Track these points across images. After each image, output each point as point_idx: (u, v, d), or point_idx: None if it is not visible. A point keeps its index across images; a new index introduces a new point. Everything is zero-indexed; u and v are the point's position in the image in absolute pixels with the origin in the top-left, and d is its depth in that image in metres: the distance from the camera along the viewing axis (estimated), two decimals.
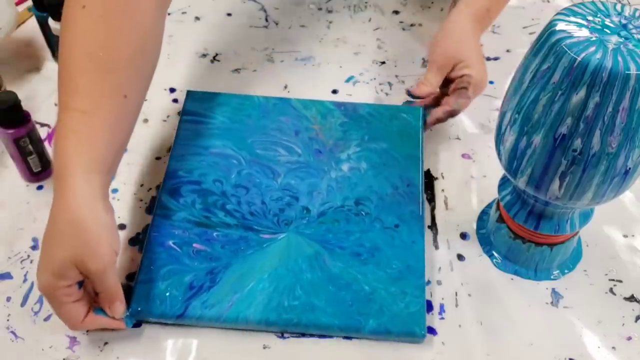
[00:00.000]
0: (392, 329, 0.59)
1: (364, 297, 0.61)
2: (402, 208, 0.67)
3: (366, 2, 0.97)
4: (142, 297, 0.61)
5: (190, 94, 0.77)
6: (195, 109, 0.75)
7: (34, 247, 0.68)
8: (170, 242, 0.64)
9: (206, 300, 0.60)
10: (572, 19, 0.50)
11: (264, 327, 0.60)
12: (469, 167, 0.75)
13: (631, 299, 0.64)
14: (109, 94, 0.58)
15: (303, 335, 0.61)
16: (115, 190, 0.72)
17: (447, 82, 0.75)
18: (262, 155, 0.71)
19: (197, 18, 0.94)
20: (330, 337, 0.60)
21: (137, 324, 0.61)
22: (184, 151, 0.71)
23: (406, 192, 0.68)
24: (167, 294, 0.61)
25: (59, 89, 0.58)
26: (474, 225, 0.69)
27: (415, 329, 0.59)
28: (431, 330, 0.61)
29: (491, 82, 0.84)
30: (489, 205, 0.70)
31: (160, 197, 0.67)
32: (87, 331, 0.61)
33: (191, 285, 0.61)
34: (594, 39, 0.48)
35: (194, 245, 0.64)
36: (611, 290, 0.64)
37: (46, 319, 0.62)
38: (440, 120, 0.74)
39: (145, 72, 0.63)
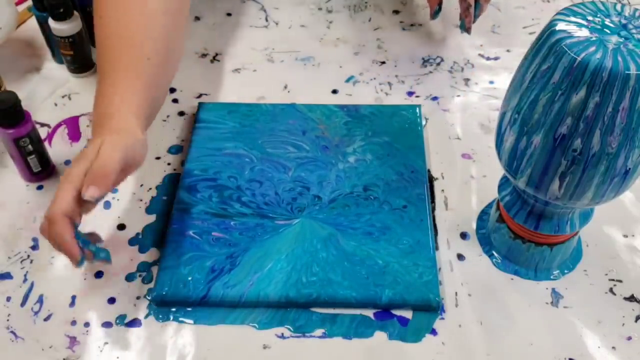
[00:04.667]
0: (408, 298, 0.62)
1: (378, 270, 0.64)
2: (409, 191, 0.70)
3: (366, 2, 0.97)
4: (165, 282, 0.63)
5: (201, 106, 0.80)
6: (208, 117, 0.78)
7: (34, 247, 0.68)
8: (190, 232, 0.67)
9: (227, 282, 0.63)
10: (572, 19, 0.50)
11: (285, 304, 0.62)
12: (469, 167, 0.75)
13: (631, 299, 0.64)
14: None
15: (303, 335, 0.61)
16: (115, 190, 0.72)
17: None
18: (273, 153, 0.74)
19: (197, 18, 0.94)
20: (335, 336, 0.61)
21: (162, 306, 0.62)
22: (199, 154, 0.74)
23: (411, 177, 0.71)
24: (190, 278, 0.63)
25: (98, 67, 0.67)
26: (474, 225, 0.69)
27: (430, 297, 0.62)
28: (431, 330, 0.61)
29: (491, 82, 0.85)
30: (489, 205, 0.70)
31: (178, 194, 0.70)
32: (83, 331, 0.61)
33: (212, 269, 0.64)
34: (594, 39, 0.48)
35: (213, 233, 0.67)
36: (611, 290, 0.64)
37: (46, 319, 0.62)
38: (467, 16, 0.82)
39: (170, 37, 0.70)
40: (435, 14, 0.85)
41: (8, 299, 0.64)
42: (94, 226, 0.69)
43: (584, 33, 0.48)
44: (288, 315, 0.62)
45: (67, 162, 0.75)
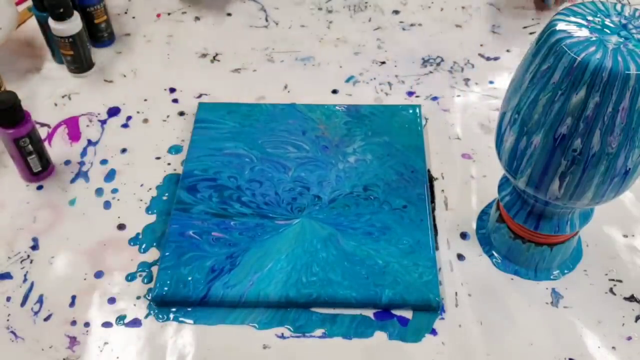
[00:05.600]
0: (407, 298, 0.62)
1: (378, 270, 0.64)
2: (409, 191, 0.70)
3: (366, 2, 0.97)
4: (165, 282, 0.63)
5: (201, 106, 0.80)
6: (208, 117, 0.78)
7: (34, 247, 0.68)
8: (190, 232, 0.67)
9: (227, 282, 0.63)
10: (572, 19, 0.50)
11: (285, 304, 0.62)
12: (469, 167, 0.75)
13: (631, 299, 0.64)
14: None
15: (303, 335, 0.61)
16: (115, 190, 0.72)
17: None
18: (273, 153, 0.74)
19: (197, 18, 0.94)
20: (335, 336, 0.61)
21: (162, 306, 0.62)
22: (199, 153, 0.74)
23: (411, 177, 0.72)
24: (190, 278, 0.63)
25: None
26: (474, 225, 0.69)
27: (430, 297, 0.62)
28: (431, 330, 0.61)
29: (491, 82, 0.85)
30: (489, 205, 0.70)
31: (177, 194, 0.70)
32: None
33: (212, 269, 0.64)
34: (594, 39, 0.48)
35: (213, 233, 0.67)
36: (611, 290, 0.64)
37: (46, 319, 0.62)
38: None
39: None
40: None
41: (8, 299, 0.64)
42: (94, 226, 0.69)
43: (584, 33, 0.48)
44: (288, 315, 0.62)
45: (67, 162, 0.75)
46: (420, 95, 0.83)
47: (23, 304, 0.63)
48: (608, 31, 0.49)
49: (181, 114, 0.81)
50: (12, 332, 0.61)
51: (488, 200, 0.71)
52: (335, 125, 0.77)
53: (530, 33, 0.91)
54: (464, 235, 0.69)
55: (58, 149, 0.77)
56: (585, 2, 0.51)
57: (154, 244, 0.68)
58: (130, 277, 0.65)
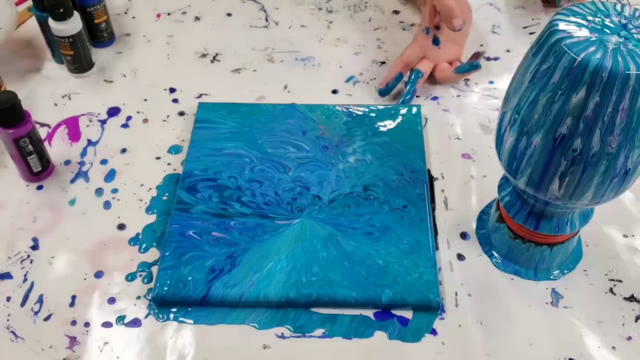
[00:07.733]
0: (407, 299, 0.62)
1: (378, 270, 0.64)
2: (409, 191, 0.70)
3: (366, 2, 0.97)
4: (165, 282, 0.63)
5: (201, 105, 0.80)
6: (207, 117, 0.78)
7: (34, 247, 0.68)
8: (190, 232, 0.67)
9: (227, 282, 0.63)
10: (572, 19, 0.50)
11: (285, 304, 0.62)
12: (469, 167, 0.75)
13: (631, 299, 0.64)
14: None
15: (303, 335, 0.61)
16: (115, 190, 0.72)
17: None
18: (273, 153, 0.74)
19: (197, 18, 0.94)
20: (335, 336, 0.61)
21: (162, 306, 0.63)
22: (199, 154, 0.74)
23: (411, 177, 0.72)
24: (190, 278, 0.63)
25: None
26: (474, 225, 0.69)
27: (430, 297, 0.62)
28: (431, 331, 0.61)
29: (491, 82, 0.85)
30: (489, 205, 0.70)
31: (178, 194, 0.70)
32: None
33: (212, 269, 0.64)
34: (593, 39, 0.48)
35: (213, 233, 0.67)
36: (611, 290, 0.64)
37: (46, 319, 0.62)
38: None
39: None
40: (384, 91, 0.81)
41: (8, 299, 0.64)
42: (94, 226, 0.69)
43: (584, 33, 0.48)
44: (288, 315, 0.62)
45: (67, 162, 0.75)
46: (420, 95, 0.83)
47: (23, 304, 0.63)
48: (608, 31, 0.49)
49: (181, 114, 0.81)
50: (12, 332, 0.61)
51: (488, 200, 0.71)
52: (335, 125, 0.77)
53: (530, 33, 0.91)
54: (464, 235, 0.69)
55: (58, 149, 0.77)
56: (585, 2, 0.51)
57: (154, 244, 0.68)
58: (130, 277, 0.65)
